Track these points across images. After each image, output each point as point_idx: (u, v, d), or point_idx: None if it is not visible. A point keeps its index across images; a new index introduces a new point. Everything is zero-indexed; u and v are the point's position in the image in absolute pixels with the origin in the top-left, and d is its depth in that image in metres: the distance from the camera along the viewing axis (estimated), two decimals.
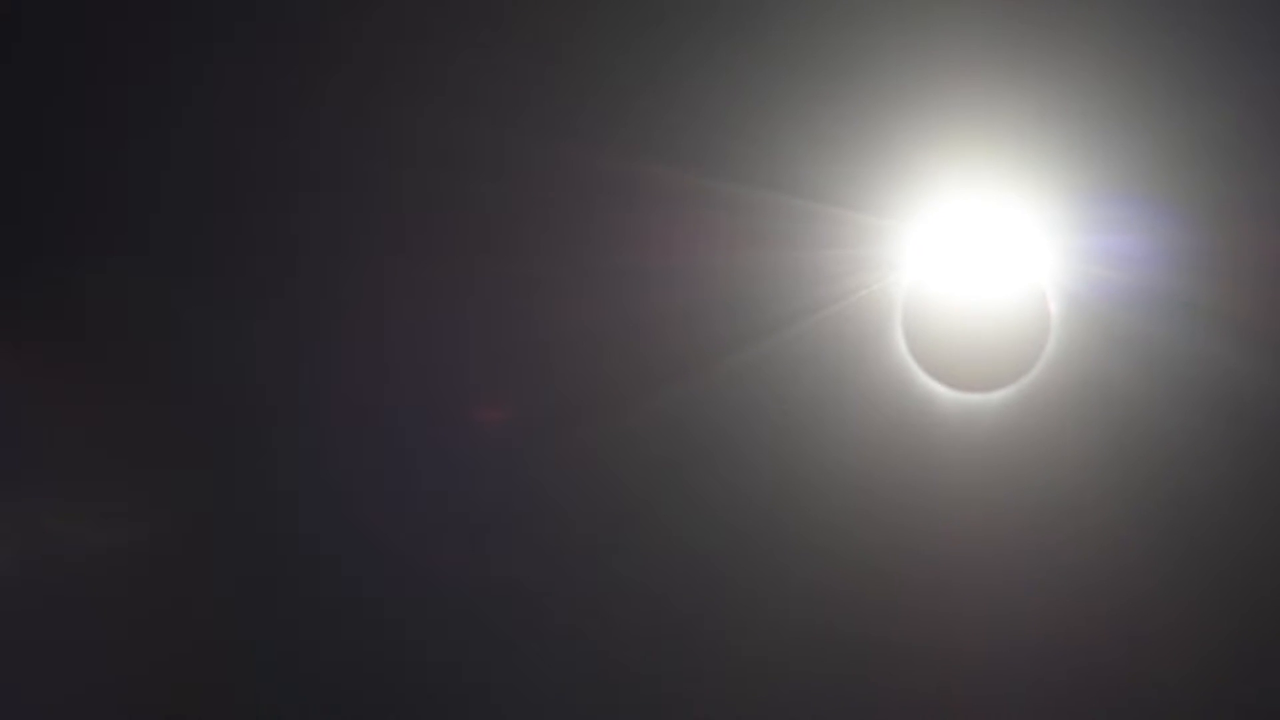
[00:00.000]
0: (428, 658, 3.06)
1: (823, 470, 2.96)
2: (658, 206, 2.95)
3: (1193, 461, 2.92)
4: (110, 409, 3.10)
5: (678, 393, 2.97)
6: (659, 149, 2.95)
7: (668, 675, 3.03)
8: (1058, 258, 2.94)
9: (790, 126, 2.91)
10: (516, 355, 3.05)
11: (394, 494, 3.06)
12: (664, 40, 2.96)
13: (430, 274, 3.04)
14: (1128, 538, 2.93)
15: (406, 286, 3.06)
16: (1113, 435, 2.94)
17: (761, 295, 2.95)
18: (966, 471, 2.96)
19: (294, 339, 3.08)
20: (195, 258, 3.08)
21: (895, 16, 2.87)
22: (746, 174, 2.92)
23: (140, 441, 3.11)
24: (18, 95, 3.10)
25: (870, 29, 2.88)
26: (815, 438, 2.97)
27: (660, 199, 2.95)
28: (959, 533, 2.96)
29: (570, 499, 3.04)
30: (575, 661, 3.04)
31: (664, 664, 3.03)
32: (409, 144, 3.01)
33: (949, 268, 2.96)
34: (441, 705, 3.06)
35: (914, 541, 2.96)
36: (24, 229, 3.12)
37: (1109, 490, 2.93)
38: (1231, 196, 2.87)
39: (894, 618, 2.97)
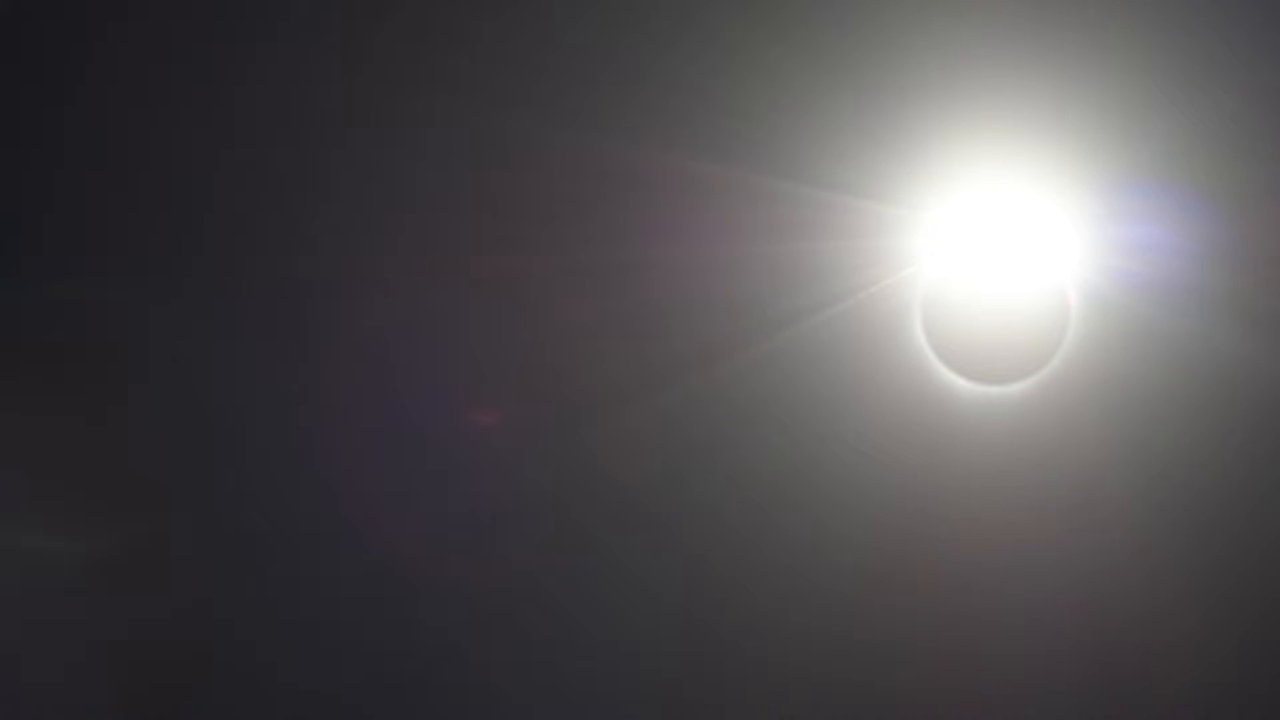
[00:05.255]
0: (427, 659, 3.04)
1: (840, 463, 2.95)
2: (674, 198, 2.94)
3: (1212, 455, 2.91)
4: (107, 413, 3.08)
5: (695, 386, 2.96)
6: (675, 139, 2.93)
7: (677, 675, 3.01)
8: (1077, 249, 2.93)
9: (809, 116, 2.90)
10: (526, 351, 3.03)
11: (396, 493, 3.04)
12: (680, 29, 2.95)
13: (436, 269, 3.03)
14: (1146, 532, 2.92)
15: (413, 282, 3.04)
16: (1132, 428, 2.93)
17: (780, 287, 2.94)
18: (984, 464, 2.95)
19: (292, 337, 3.06)
20: (189, 257, 3.06)
21: (916, 4, 2.86)
22: (765, 164, 2.91)
23: (134, 445, 3.09)
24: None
25: (892, 17, 2.87)
26: (833, 430, 2.95)
27: (677, 190, 2.94)
28: (976, 526, 2.94)
29: (582, 495, 3.02)
30: (585, 662, 3.03)
31: (673, 664, 3.01)
32: (412, 137, 3.00)
33: (968, 259, 2.95)
34: (441, 705, 3.04)
35: (931, 534, 2.95)
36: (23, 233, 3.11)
37: (1128, 484, 2.92)
38: (1254, 187, 2.86)
39: (910, 611, 2.95)
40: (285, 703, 3.04)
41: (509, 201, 3.00)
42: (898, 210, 2.92)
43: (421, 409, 3.06)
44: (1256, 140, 2.85)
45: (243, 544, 3.08)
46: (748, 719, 2.99)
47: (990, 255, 2.96)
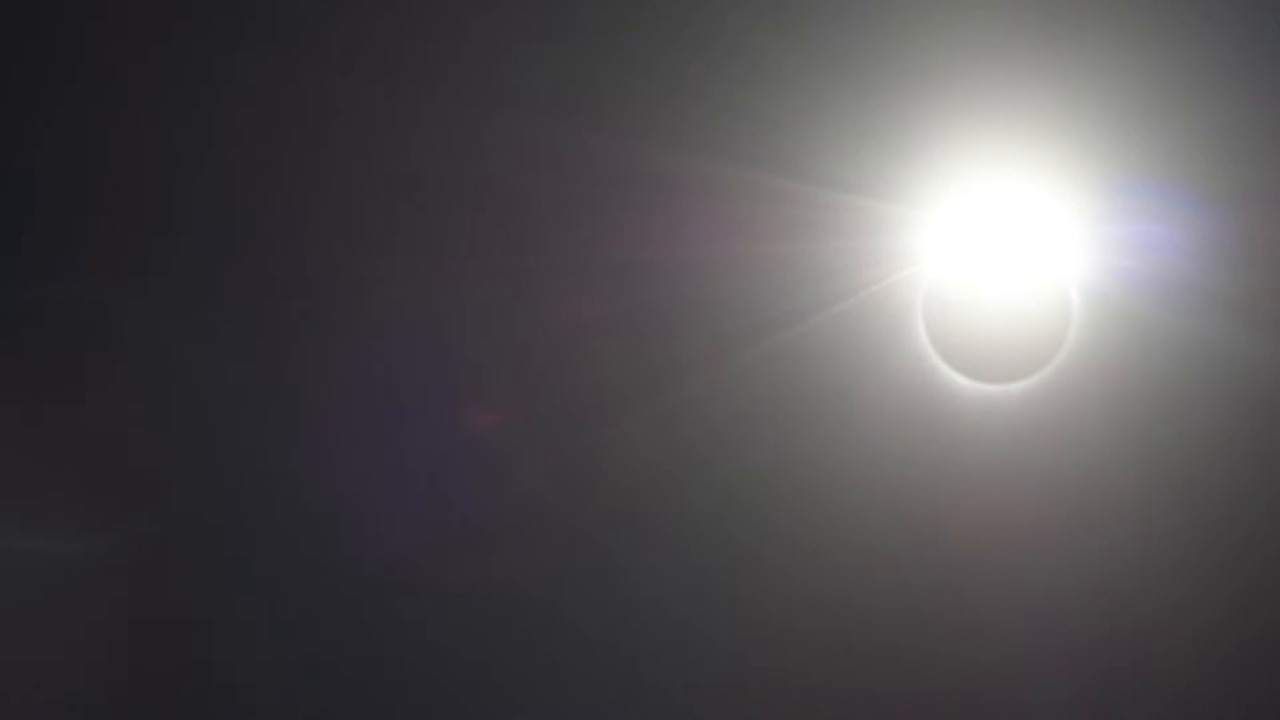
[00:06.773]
0: (425, 660, 3.03)
1: (842, 462, 2.94)
2: (674, 198, 2.93)
3: (1214, 454, 2.91)
4: (106, 412, 3.08)
5: (697, 386, 2.95)
6: (675, 138, 2.92)
7: (676, 679, 3.01)
8: (1079, 248, 2.92)
9: (810, 114, 2.89)
10: (524, 352, 3.02)
11: (393, 495, 3.04)
12: (679, 27, 2.94)
13: (432, 269, 3.02)
14: (1149, 531, 2.92)
15: (409, 282, 3.03)
16: (1134, 427, 2.92)
17: (781, 286, 2.93)
18: (987, 464, 2.94)
19: (290, 338, 3.05)
20: (186, 258, 3.05)
21: (918, 2, 2.85)
22: (765, 163, 2.90)
23: (134, 445, 3.08)
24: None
25: (893, 14, 2.86)
26: (835, 429, 2.95)
27: (677, 190, 2.92)
28: (979, 525, 2.94)
29: (581, 497, 3.02)
30: (582, 664, 3.03)
31: (672, 667, 3.01)
32: (409, 136, 2.98)
33: (970, 258, 2.94)
34: (436, 706, 3.04)
35: (933, 533, 2.95)
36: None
37: (1130, 483, 2.92)
38: (1255, 185, 2.85)
39: (912, 613, 2.95)
40: (280, 703, 3.04)
41: (506, 201, 2.99)
42: (899, 209, 2.91)
43: (419, 410, 3.05)
44: (1258, 139, 2.85)
45: (238, 545, 3.07)
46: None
47: (992, 254, 2.95)
